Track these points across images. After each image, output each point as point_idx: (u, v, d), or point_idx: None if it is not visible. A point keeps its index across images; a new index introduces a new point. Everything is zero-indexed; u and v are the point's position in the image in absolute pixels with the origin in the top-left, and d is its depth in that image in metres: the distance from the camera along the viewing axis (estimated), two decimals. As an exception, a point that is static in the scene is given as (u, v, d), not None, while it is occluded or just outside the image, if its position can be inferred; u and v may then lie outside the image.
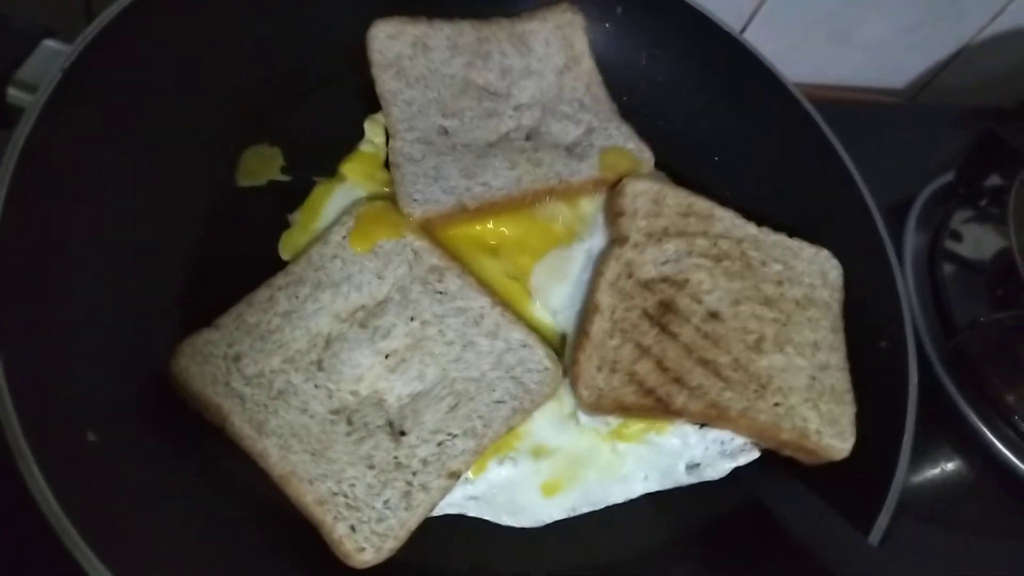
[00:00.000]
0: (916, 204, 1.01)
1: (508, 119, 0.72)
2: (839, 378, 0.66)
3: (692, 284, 0.66)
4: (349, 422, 0.57)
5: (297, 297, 0.60)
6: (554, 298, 0.66)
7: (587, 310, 0.63)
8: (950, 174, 1.02)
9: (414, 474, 0.56)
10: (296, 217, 0.67)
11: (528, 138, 0.72)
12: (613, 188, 0.70)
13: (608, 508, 0.64)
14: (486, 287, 0.63)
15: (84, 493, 0.48)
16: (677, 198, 0.69)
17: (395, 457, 0.56)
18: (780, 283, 0.68)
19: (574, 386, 0.61)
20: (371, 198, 0.67)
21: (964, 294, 0.93)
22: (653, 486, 0.64)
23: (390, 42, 0.71)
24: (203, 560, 0.53)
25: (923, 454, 0.87)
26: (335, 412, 0.58)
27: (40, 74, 0.58)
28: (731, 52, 0.83)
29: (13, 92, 0.59)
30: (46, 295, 0.54)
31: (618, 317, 0.63)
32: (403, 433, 0.57)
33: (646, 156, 0.73)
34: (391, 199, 0.65)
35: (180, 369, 0.57)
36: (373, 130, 0.70)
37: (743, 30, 1.03)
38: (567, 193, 0.69)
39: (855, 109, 1.14)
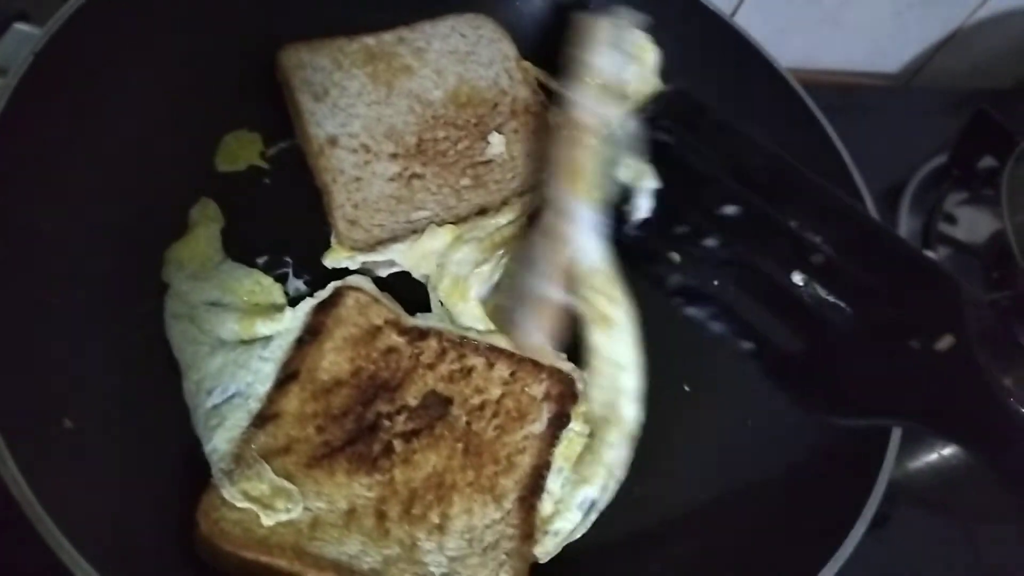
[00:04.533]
0: (910, 187, 1.00)
1: None
2: None
3: None
4: None
5: None
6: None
7: None
8: (944, 157, 1.01)
9: None
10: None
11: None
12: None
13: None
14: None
15: (59, 480, 0.47)
16: None
17: None
18: None
19: None
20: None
21: (959, 276, 0.92)
22: None
23: None
24: (182, 544, 0.52)
25: (919, 438, 0.86)
26: None
27: (10, 58, 0.57)
28: (721, 36, 0.81)
29: (-17, 76, 0.58)
30: (18, 279, 0.53)
31: None
32: None
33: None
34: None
35: None
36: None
37: (733, 13, 1.02)
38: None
39: (848, 93, 1.13)
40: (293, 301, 0.62)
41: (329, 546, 0.53)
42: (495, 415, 0.61)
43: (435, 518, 0.56)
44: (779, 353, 0.55)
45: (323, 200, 0.66)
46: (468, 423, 0.60)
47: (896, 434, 0.63)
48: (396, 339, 0.62)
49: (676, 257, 0.59)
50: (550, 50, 0.80)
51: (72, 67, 0.59)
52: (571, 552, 0.60)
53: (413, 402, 0.60)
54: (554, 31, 0.82)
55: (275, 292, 0.63)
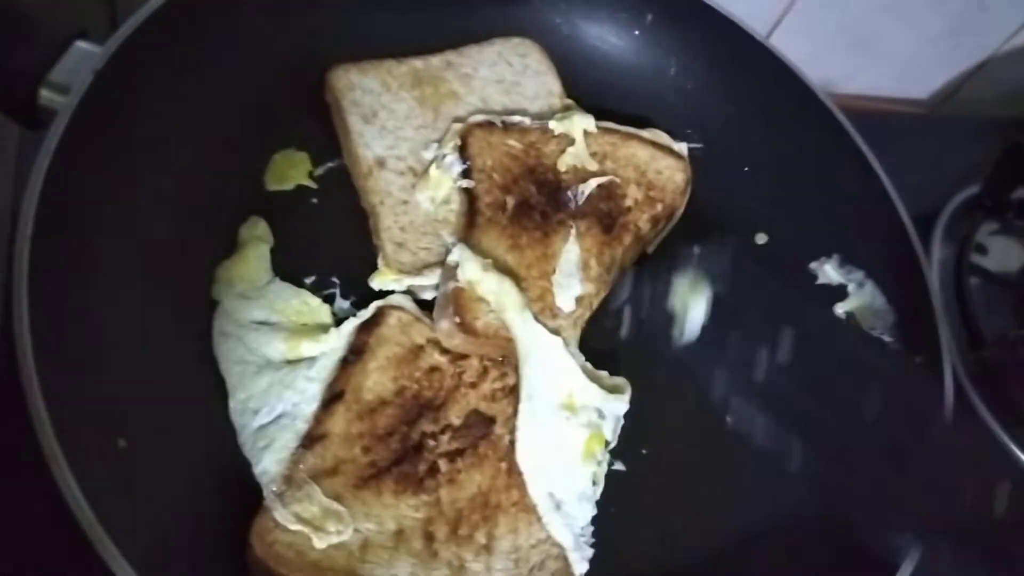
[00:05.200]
0: (941, 217, 1.00)
1: None
2: None
3: None
4: None
5: None
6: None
7: None
8: (975, 186, 1.01)
9: None
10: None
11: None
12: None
13: (638, 519, 0.63)
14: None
15: (117, 501, 0.48)
16: None
17: None
18: None
19: None
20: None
21: (990, 308, 0.92)
22: None
23: None
24: (233, 563, 0.53)
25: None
26: None
27: (72, 76, 0.57)
28: (761, 60, 0.82)
29: (45, 94, 0.59)
30: (78, 299, 0.54)
31: None
32: None
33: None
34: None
35: None
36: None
37: (768, 37, 1.02)
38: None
39: (879, 120, 1.13)
40: (340, 322, 0.62)
41: (380, 568, 0.54)
42: None
43: (482, 538, 0.57)
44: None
45: (370, 222, 0.67)
46: (511, 442, 0.60)
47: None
48: (438, 358, 0.62)
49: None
50: (591, 76, 0.81)
51: (130, 86, 0.59)
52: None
53: (456, 421, 0.60)
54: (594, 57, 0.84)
55: (323, 312, 0.63)
